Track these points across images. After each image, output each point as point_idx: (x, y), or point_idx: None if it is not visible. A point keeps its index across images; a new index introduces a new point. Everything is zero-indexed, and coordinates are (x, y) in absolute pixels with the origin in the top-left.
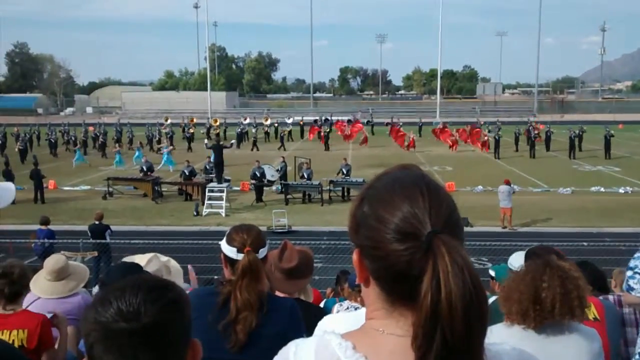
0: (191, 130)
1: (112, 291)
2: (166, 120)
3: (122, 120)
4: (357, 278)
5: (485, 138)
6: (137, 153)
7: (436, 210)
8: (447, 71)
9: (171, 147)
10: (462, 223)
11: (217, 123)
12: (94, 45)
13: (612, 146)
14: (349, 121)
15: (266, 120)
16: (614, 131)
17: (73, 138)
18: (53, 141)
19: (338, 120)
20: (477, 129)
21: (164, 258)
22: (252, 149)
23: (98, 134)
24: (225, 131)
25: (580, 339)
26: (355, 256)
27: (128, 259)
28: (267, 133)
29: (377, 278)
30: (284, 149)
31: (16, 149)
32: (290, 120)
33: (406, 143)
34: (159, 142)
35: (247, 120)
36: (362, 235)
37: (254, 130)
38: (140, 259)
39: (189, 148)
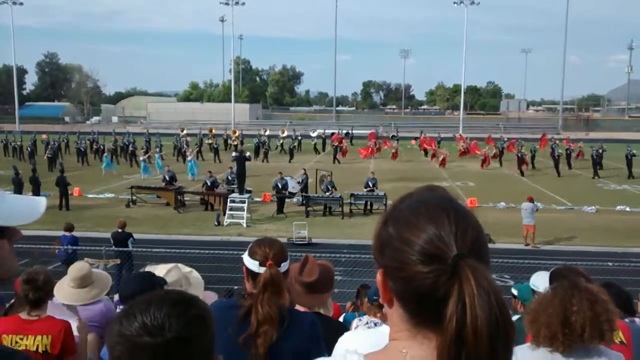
0: (209, 141)
1: (137, 305)
2: (182, 131)
3: (149, 130)
4: (381, 298)
5: (483, 152)
6: (157, 161)
7: (462, 233)
8: (470, 87)
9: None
10: (488, 246)
11: (236, 134)
12: (121, 56)
13: (636, 165)
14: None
15: (282, 132)
16: (635, 150)
17: (102, 146)
18: (82, 149)
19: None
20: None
21: (185, 269)
22: (262, 160)
23: (127, 143)
24: (242, 142)
25: None
26: (379, 276)
27: (150, 268)
28: (282, 145)
29: (401, 299)
30: (290, 161)
31: (45, 157)
32: (315, 134)
33: (440, 159)
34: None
35: (267, 132)
36: (387, 256)
37: (267, 142)
38: (162, 269)
39: (216, 159)
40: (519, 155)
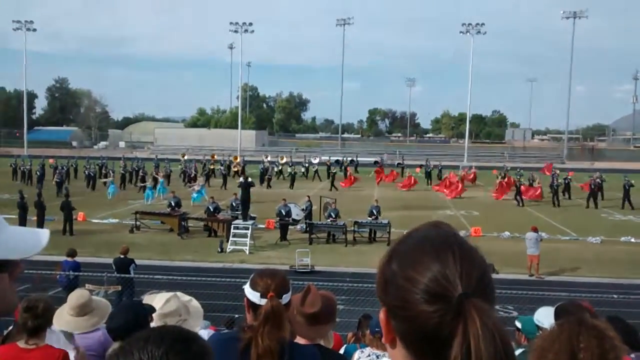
0: (211, 167)
1: (135, 341)
2: (183, 157)
3: (158, 156)
4: (384, 338)
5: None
6: (159, 187)
7: (467, 271)
8: (476, 115)
9: (198, 184)
10: (494, 284)
11: (237, 160)
12: (129, 82)
13: (634, 194)
14: (375, 162)
15: (282, 159)
16: (634, 180)
17: (112, 172)
18: (92, 174)
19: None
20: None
21: (185, 297)
22: (267, 187)
23: (137, 168)
24: (244, 168)
25: None
26: (382, 315)
27: (149, 298)
28: (280, 172)
29: (405, 339)
30: (291, 187)
31: (53, 182)
32: (316, 161)
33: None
34: (194, 178)
35: (269, 158)
36: (391, 295)
37: (271, 168)
38: (160, 299)
39: (223, 186)
40: (517, 184)
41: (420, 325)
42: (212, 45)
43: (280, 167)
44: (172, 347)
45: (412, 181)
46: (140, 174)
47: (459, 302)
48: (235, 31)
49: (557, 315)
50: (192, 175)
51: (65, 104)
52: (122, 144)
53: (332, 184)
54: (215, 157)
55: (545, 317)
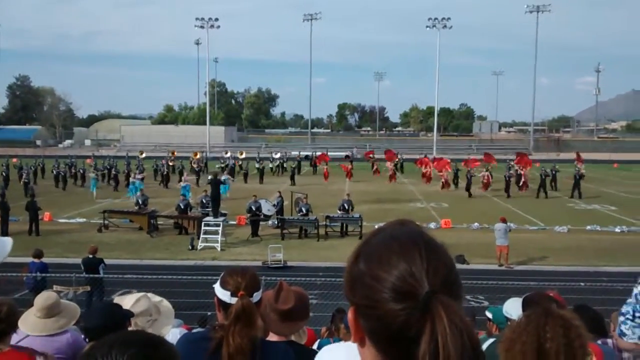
0: (170, 163)
1: (99, 347)
2: (141, 154)
3: (129, 153)
4: (352, 337)
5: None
6: (135, 185)
7: (434, 269)
8: (444, 109)
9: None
10: (461, 282)
11: (197, 157)
12: (95, 78)
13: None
14: (346, 156)
15: (241, 154)
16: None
17: (82, 170)
18: (62, 174)
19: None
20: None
21: (156, 298)
22: (244, 182)
23: (110, 167)
24: (206, 164)
25: None
26: (350, 315)
27: (118, 299)
28: (240, 167)
29: (373, 338)
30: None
31: (21, 182)
32: (277, 155)
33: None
34: (167, 176)
35: (229, 154)
36: (358, 294)
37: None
38: (130, 299)
39: (198, 182)
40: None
41: (388, 324)
42: (178, 41)
43: (240, 162)
44: (136, 353)
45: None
46: (114, 172)
47: (426, 299)
48: (202, 27)
49: (525, 306)
50: (165, 172)
51: (28, 102)
52: (87, 142)
53: (293, 178)
54: (176, 153)
55: (513, 308)
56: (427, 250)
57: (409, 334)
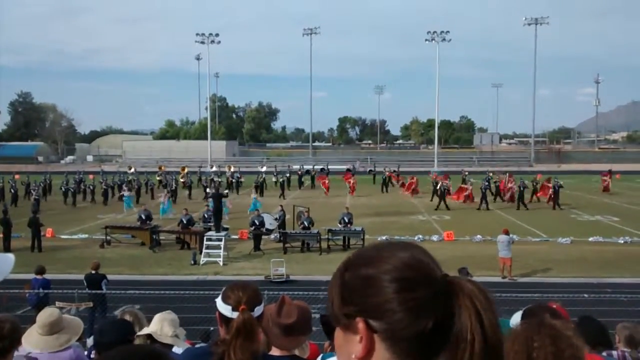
0: (158, 178)
1: None
2: (130, 169)
3: (137, 169)
4: (361, 351)
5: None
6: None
7: (438, 263)
8: (444, 121)
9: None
10: None
11: (185, 171)
12: (96, 94)
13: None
14: (347, 170)
15: (229, 168)
16: (562, 182)
17: (91, 187)
18: (72, 190)
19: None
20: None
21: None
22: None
23: (121, 182)
24: (200, 179)
25: None
26: (361, 325)
27: (145, 330)
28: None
29: (387, 340)
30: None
31: (32, 199)
32: (263, 169)
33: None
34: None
35: (214, 168)
36: (357, 300)
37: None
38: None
39: (189, 196)
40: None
41: (401, 319)
42: (178, 56)
43: (228, 176)
44: None
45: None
46: (125, 188)
47: (445, 282)
48: (202, 42)
49: (524, 317)
50: (174, 187)
51: (30, 118)
52: (89, 157)
53: (282, 193)
54: (163, 168)
55: (516, 320)
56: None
57: (432, 325)
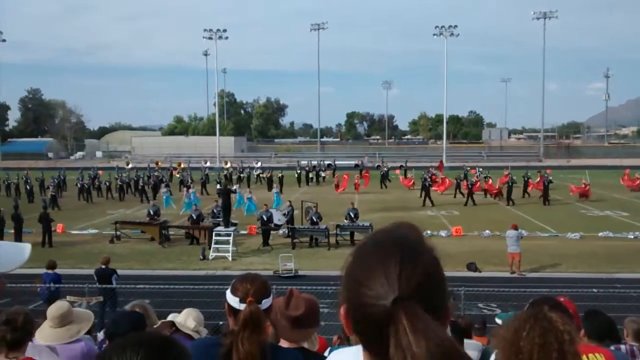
0: (156, 174)
1: (114, 348)
2: (127, 165)
3: (150, 165)
4: (347, 332)
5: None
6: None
7: (407, 276)
8: (452, 116)
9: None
10: (444, 291)
11: (181, 166)
12: (105, 91)
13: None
14: (356, 165)
15: (226, 164)
16: (552, 177)
17: (107, 183)
18: (87, 186)
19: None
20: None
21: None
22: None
23: (137, 178)
24: (226, 176)
25: None
26: (342, 311)
27: (171, 317)
28: (226, 177)
29: (359, 337)
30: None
31: (49, 195)
32: (258, 164)
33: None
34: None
35: (208, 164)
36: (345, 294)
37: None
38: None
39: (203, 190)
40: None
41: (363, 327)
42: (186, 52)
43: (225, 172)
44: (150, 353)
45: (447, 183)
46: (141, 183)
47: (392, 306)
48: (210, 38)
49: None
50: (190, 183)
51: (39, 115)
52: (99, 153)
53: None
54: (160, 163)
55: None
56: (404, 256)
57: (381, 337)
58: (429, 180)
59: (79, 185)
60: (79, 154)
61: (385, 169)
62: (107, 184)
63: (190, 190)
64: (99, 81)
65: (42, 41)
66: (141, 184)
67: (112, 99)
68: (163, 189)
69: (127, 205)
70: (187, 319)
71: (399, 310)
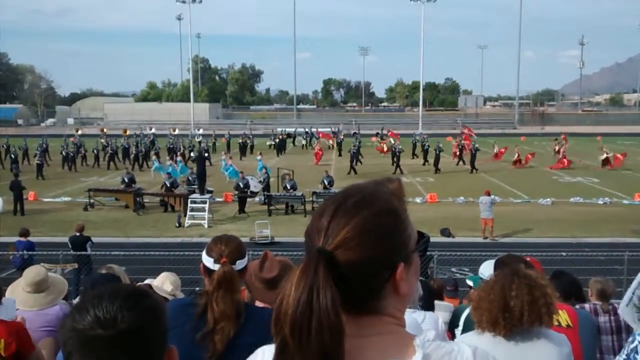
0: (122, 141)
1: (89, 299)
2: (77, 131)
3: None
4: None
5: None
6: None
7: (336, 228)
8: (429, 83)
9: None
10: (388, 245)
11: (127, 133)
12: (76, 56)
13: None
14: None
15: (174, 131)
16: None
17: (95, 151)
18: (71, 155)
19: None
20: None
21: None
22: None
23: (128, 146)
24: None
25: (549, 344)
26: None
27: (148, 281)
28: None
29: None
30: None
31: (34, 163)
32: (200, 131)
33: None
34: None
35: (177, 132)
36: None
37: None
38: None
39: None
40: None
41: None
42: (159, 16)
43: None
44: (125, 302)
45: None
46: (133, 151)
47: (316, 254)
48: (183, 1)
49: (496, 267)
50: (180, 151)
51: (7, 80)
52: (70, 120)
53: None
54: (128, 132)
55: (486, 269)
56: (341, 207)
57: None
58: (398, 148)
59: (63, 154)
60: (50, 120)
61: (341, 137)
62: (96, 151)
63: (177, 159)
64: (70, 45)
65: (8, 2)
66: (135, 151)
67: (83, 64)
68: (153, 157)
69: (101, 173)
70: (164, 283)
71: (315, 259)
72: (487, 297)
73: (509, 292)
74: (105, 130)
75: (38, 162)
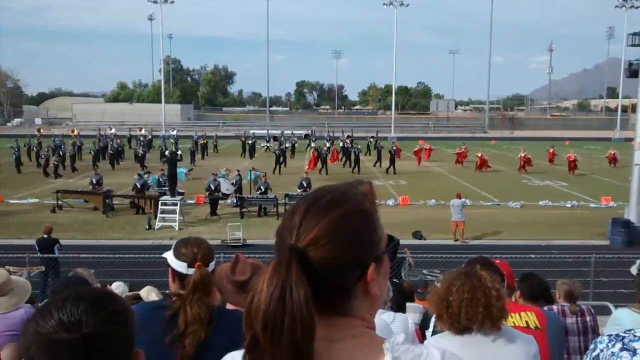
0: (72, 141)
1: (53, 302)
2: (73, 133)
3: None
4: None
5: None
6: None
7: (308, 227)
8: (402, 87)
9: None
10: (360, 246)
11: (75, 133)
12: (44, 55)
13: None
14: (306, 136)
15: (140, 130)
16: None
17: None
18: (44, 156)
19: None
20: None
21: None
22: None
23: (118, 146)
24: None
25: (518, 345)
26: None
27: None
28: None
29: None
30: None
31: (52, 164)
32: (174, 133)
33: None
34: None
35: (144, 132)
36: None
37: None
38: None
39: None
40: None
41: None
42: (131, 16)
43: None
44: (90, 306)
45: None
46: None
47: (288, 251)
48: (155, 2)
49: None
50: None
51: None
52: (38, 121)
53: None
54: (77, 131)
55: None
56: (312, 207)
57: None
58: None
59: (43, 156)
60: (17, 120)
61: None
62: (70, 153)
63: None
64: (38, 45)
65: None
66: (141, 152)
67: (51, 64)
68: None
69: (69, 175)
70: (149, 294)
71: (286, 257)
72: (437, 292)
73: (452, 288)
74: (75, 131)
75: (56, 163)
